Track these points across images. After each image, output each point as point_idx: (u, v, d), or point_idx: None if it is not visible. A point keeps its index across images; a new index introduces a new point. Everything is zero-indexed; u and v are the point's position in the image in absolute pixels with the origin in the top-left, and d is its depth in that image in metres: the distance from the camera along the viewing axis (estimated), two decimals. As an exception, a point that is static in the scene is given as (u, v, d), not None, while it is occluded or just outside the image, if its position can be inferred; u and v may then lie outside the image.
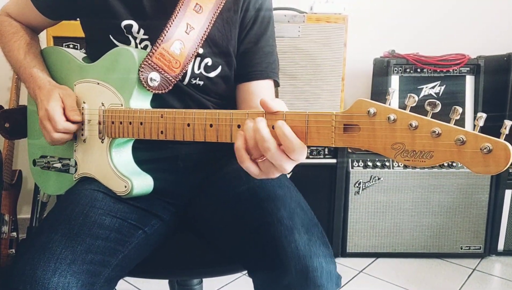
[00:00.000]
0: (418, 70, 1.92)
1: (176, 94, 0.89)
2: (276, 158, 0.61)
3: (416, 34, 2.25)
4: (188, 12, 0.86)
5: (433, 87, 1.94)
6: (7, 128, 1.06)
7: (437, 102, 0.54)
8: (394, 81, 1.93)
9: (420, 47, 2.01)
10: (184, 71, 0.88)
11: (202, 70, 0.91)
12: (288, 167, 0.63)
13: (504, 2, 2.25)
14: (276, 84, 1.02)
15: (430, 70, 1.92)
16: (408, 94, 0.56)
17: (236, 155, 0.65)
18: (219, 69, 0.93)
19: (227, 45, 0.92)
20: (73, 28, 1.57)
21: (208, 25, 0.88)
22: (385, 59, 1.95)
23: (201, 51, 0.90)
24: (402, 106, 0.57)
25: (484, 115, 0.53)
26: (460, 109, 0.53)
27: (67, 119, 0.86)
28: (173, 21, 0.85)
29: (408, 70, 1.93)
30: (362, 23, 2.17)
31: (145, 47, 0.90)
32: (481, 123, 0.53)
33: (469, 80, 1.95)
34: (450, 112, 0.54)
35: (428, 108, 0.55)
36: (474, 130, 0.52)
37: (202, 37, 0.88)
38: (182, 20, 0.86)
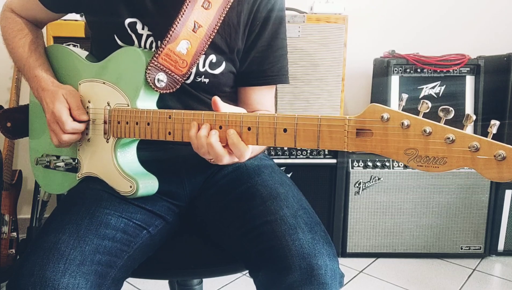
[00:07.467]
0: (418, 70, 1.92)
1: (176, 94, 0.88)
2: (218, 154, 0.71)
3: (416, 34, 2.25)
4: (196, 9, 0.84)
5: (433, 87, 1.94)
6: (9, 128, 1.06)
7: (451, 108, 0.54)
8: (394, 81, 1.93)
9: (420, 47, 2.01)
10: (191, 70, 0.86)
11: (207, 67, 0.90)
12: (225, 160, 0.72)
13: (504, 2, 2.25)
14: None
15: (430, 70, 1.92)
16: (421, 100, 0.56)
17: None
18: (223, 65, 0.91)
19: (227, 45, 0.90)
20: (73, 28, 1.57)
21: (217, 22, 0.85)
22: (385, 59, 1.94)
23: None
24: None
25: (497, 123, 0.53)
26: (473, 117, 0.53)
27: (74, 120, 0.85)
28: (179, 20, 0.82)
29: (408, 70, 1.93)
30: (362, 23, 2.17)
31: (150, 44, 0.89)
32: (494, 130, 0.53)
33: (469, 80, 1.94)
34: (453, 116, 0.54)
35: (441, 114, 0.54)
36: (487, 137, 0.52)
37: (211, 34, 0.85)
38: (189, 18, 0.83)
